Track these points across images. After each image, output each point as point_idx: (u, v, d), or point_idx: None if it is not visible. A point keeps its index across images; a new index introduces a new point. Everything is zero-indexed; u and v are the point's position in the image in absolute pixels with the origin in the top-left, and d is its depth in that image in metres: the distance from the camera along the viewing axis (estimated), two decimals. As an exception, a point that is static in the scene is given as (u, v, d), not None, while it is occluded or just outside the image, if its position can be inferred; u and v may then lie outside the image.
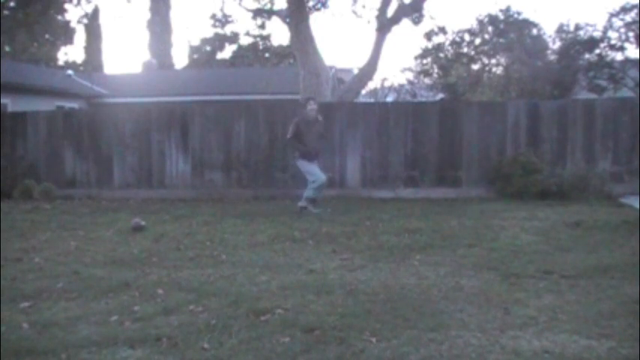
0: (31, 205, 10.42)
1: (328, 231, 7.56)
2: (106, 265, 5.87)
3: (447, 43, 27.61)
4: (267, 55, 35.91)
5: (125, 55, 67.13)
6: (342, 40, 67.95)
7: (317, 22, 56.41)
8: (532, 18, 29.09)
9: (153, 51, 37.47)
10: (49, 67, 27.89)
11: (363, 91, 20.06)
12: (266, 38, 35.70)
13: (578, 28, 22.79)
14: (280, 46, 34.97)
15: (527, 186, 10.22)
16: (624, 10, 21.30)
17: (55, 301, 4.64)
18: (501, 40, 25.16)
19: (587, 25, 22.57)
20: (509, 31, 24.55)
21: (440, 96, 27.62)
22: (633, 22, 20.99)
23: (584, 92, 22.15)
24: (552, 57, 23.56)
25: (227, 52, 36.76)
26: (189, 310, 4.35)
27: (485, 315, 4.22)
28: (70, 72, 25.13)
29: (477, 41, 26.89)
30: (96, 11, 35.17)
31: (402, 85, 30.59)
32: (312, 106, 9.16)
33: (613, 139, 11.12)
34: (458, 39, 27.18)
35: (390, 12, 14.88)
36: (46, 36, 31.26)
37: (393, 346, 3.63)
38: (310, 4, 15.02)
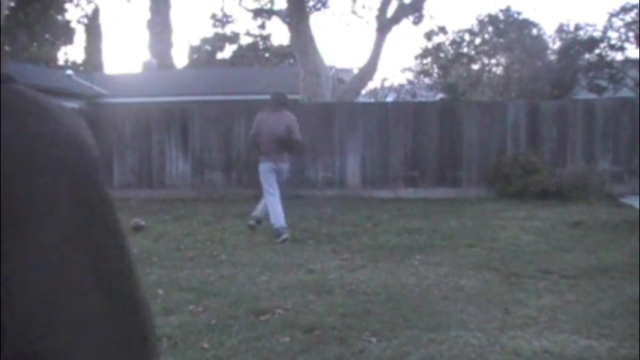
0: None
1: (328, 231, 7.56)
2: (106, 265, 5.87)
3: (447, 43, 27.60)
4: (267, 55, 35.90)
5: (125, 55, 67.09)
6: (342, 40, 67.93)
7: (317, 22, 56.40)
8: (532, 18, 29.05)
9: (153, 51, 37.45)
10: (49, 67, 27.89)
11: (363, 91, 20.06)
12: (266, 38, 35.68)
13: (578, 28, 22.77)
14: (280, 46, 34.95)
15: (527, 186, 10.23)
16: (624, 10, 21.27)
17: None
18: (501, 40, 25.16)
19: (587, 25, 22.54)
20: (509, 31, 24.55)
21: (440, 96, 27.62)
22: (633, 22, 20.97)
23: (584, 92, 22.14)
24: (552, 57, 23.54)
25: (227, 52, 36.75)
26: (189, 310, 4.35)
27: (485, 315, 4.22)
28: (70, 72, 25.12)
29: (477, 41, 26.88)
30: (96, 11, 35.14)
31: (402, 85, 30.54)
32: None
33: (613, 139, 11.12)
34: (458, 39, 27.16)
35: (390, 12, 14.88)
36: (46, 36, 31.27)
37: (393, 346, 3.63)
38: (310, 4, 15.01)
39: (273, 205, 7.10)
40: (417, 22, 16.44)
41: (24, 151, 0.57)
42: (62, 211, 0.57)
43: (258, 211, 7.51)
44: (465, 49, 27.21)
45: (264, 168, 7.27)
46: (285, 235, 6.88)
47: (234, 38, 36.36)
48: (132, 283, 0.60)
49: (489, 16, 25.67)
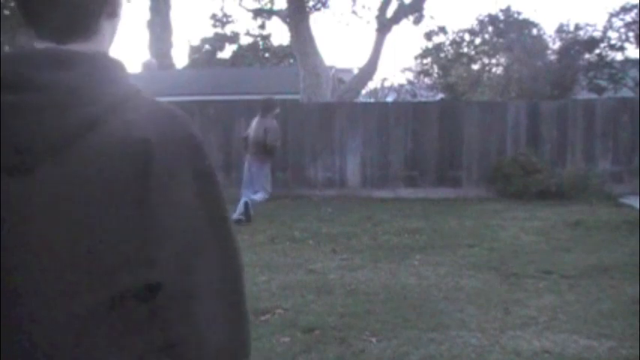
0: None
1: (328, 231, 7.56)
2: (106, 265, 5.86)
3: (447, 43, 27.60)
4: (267, 55, 35.89)
5: (125, 55, 67.09)
6: (342, 40, 67.92)
7: (317, 22, 56.35)
8: (532, 18, 29.06)
9: (153, 51, 37.43)
10: (49, 67, 27.79)
11: (363, 91, 20.06)
12: (266, 38, 35.67)
13: (578, 28, 22.76)
14: (280, 46, 34.95)
15: (527, 186, 10.22)
16: (624, 10, 21.27)
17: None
18: (501, 40, 25.15)
19: (587, 25, 22.53)
20: (509, 31, 24.54)
21: (440, 96, 27.60)
22: (633, 22, 20.96)
23: (584, 92, 22.12)
24: (552, 57, 23.54)
25: (227, 52, 36.75)
26: (189, 310, 4.35)
27: (486, 315, 4.22)
28: (70, 72, 25.08)
29: (477, 41, 26.87)
30: (96, 11, 35.02)
31: (402, 85, 30.56)
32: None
33: (613, 139, 11.12)
34: (458, 39, 27.16)
35: (390, 12, 14.88)
36: (46, 36, 31.22)
37: (393, 346, 3.63)
38: (310, 4, 15.00)
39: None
40: (417, 22, 16.44)
41: (167, 140, 0.84)
42: (190, 178, 0.85)
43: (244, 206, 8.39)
44: (465, 49, 27.20)
45: (244, 167, 8.81)
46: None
47: (234, 38, 36.35)
48: (228, 223, 0.93)
49: (489, 16, 25.66)
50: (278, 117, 8.71)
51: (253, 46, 36.04)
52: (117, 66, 0.91)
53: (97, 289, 0.81)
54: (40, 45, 0.90)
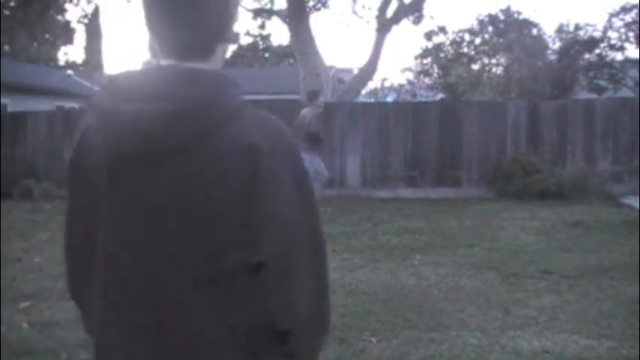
0: (31, 205, 10.41)
1: (328, 231, 7.54)
2: (106, 265, 5.86)
3: (447, 43, 27.61)
4: (267, 55, 35.91)
5: (125, 55, 67.08)
6: (342, 40, 67.97)
7: (317, 22, 56.37)
8: (532, 18, 29.08)
9: (153, 51, 37.37)
10: (49, 67, 27.86)
11: (363, 91, 20.05)
12: (266, 38, 35.70)
13: (578, 28, 22.76)
14: (280, 46, 34.97)
15: (527, 186, 10.22)
16: (624, 10, 21.27)
17: (55, 301, 4.63)
18: (501, 40, 25.15)
19: (587, 25, 22.54)
20: (509, 31, 24.54)
21: (440, 96, 27.61)
22: (633, 22, 20.97)
23: (584, 92, 22.12)
24: (552, 57, 23.53)
25: (227, 52, 36.84)
26: (189, 310, 4.35)
27: (485, 315, 4.22)
28: (70, 72, 25.10)
29: (477, 41, 26.88)
30: (96, 11, 35.12)
31: (402, 85, 30.58)
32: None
33: (613, 139, 11.12)
34: (458, 39, 27.18)
35: (390, 12, 14.87)
36: (46, 36, 31.26)
37: (393, 346, 3.63)
38: (310, 4, 14.99)
39: None
40: (417, 22, 16.42)
41: (273, 146, 1.01)
42: (289, 177, 1.01)
43: None
44: (465, 49, 27.22)
45: None
46: None
47: (234, 38, 36.37)
48: (318, 214, 1.06)
49: (489, 16, 25.66)
50: (321, 106, 9.13)
51: (253, 46, 36.05)
52: (232, 83, 1.10)
53: (205, 266, 0.99)
54: (165, 62, 1.10)
